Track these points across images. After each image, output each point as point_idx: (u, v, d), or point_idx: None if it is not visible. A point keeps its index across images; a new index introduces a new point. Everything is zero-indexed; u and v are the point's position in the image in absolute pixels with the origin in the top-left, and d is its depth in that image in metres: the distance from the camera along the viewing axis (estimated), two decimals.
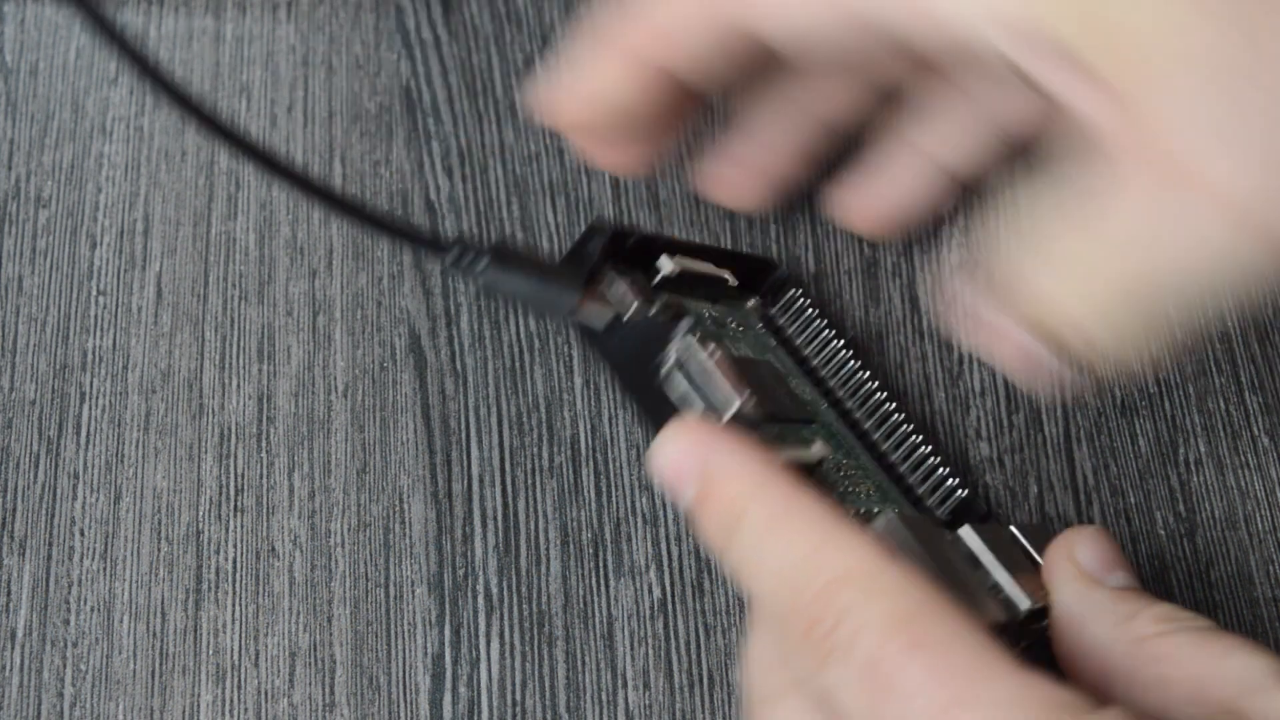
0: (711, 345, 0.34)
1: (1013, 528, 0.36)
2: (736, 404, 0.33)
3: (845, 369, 0.39)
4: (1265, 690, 0.29)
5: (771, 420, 0.34)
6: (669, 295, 0.37)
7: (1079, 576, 0.33)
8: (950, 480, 0.37)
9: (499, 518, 0.39)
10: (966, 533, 0.34)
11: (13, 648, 0.38)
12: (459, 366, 0.41)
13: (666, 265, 0.37)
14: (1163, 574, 0.39)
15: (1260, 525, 0.39)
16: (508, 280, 0.34)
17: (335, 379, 0.41)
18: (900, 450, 0.38)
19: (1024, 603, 0.33)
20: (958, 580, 0.33)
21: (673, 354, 0.34)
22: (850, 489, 0.37)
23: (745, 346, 0.39)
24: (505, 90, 0.45)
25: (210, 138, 0.36)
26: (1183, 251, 0.30)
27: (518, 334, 0.41)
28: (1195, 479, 0.40)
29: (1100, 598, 0.32)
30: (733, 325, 0.39)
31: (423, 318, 0.42)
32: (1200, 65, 0.29)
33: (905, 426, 0.38)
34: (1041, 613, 0.34)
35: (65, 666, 0.37)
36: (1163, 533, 0.39)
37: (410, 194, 0.43)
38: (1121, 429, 0.41)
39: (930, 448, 0.38)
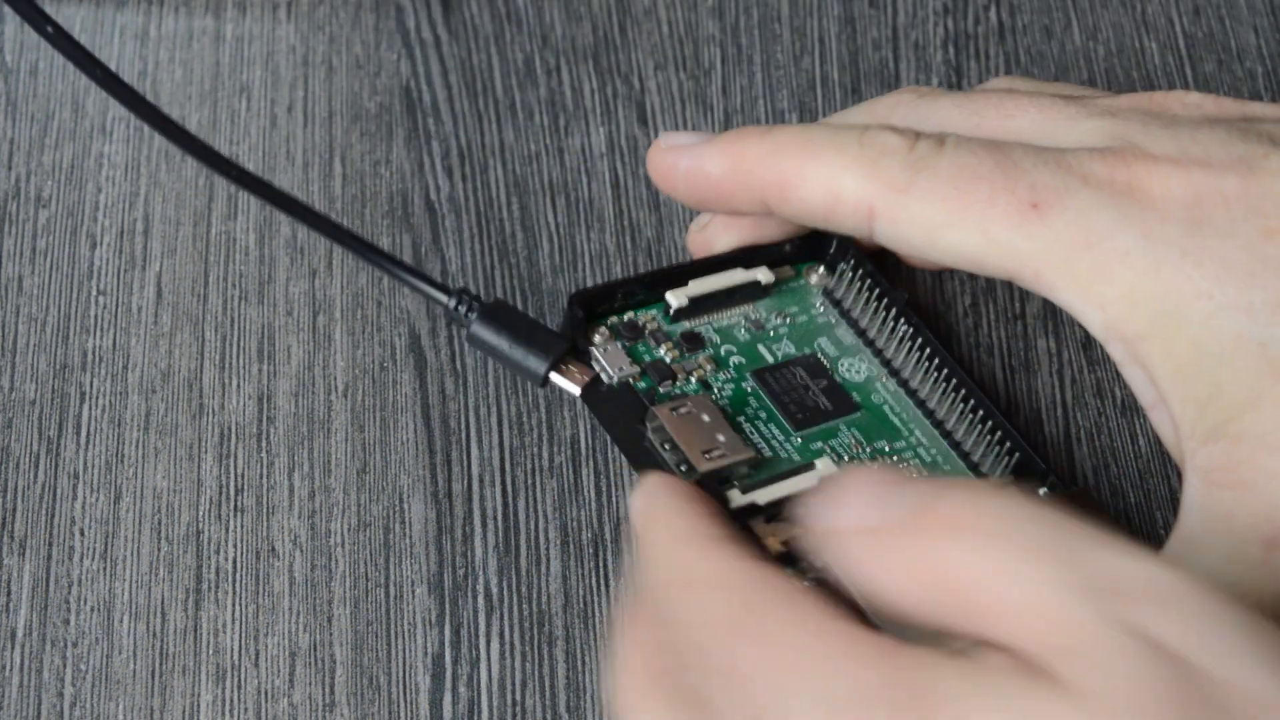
0: (685, 409, 0.36)
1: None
2: (696, 475, 0.35)
3: (898, 336, 0.39)
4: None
5: (750, 465, 0.36)
6: (689, 323, 0.39)
7: (847, 538, 0.29)
8: (1005, 444, 0.37)
9: (499, 518, 0.39)
10: None
11: (13, 648, 0.38)
12: (459, 366, 0.41)
13: (674, 300, 0.38)
14: None
15: None
16: (491, 338, 0.37)
17: (335, 379, 0.41)
18: (955, 415, 0.38)
19: None
20: None
21: (648, 428, 0.36)
22: None
23: (789, 342, 0.39)
24: (505, 90, 0.45)
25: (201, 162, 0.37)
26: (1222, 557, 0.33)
27: None
28: None
29: None
30: (776, 322, 0.39)
31: (423, 318, 0.42)
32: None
33: (956, 394, 0.38)
34: None
35: (65, 666, 0.37)
36: (1163, 532, 0.39)
37: (410, 194, 0.43)
38: (1121, 429, 0.41)
39: (982, 412, 0.38)
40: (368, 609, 0.38)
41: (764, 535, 0.34)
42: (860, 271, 0.39)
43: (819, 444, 0.37)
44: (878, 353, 0.39)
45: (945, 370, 0.38)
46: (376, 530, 0.39)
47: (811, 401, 0.38)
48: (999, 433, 0.37)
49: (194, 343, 0.41)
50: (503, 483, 0.39)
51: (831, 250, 0.40)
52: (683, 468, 0.35)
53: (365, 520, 0.39)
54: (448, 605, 0.38)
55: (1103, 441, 0.41)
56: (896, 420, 0.38)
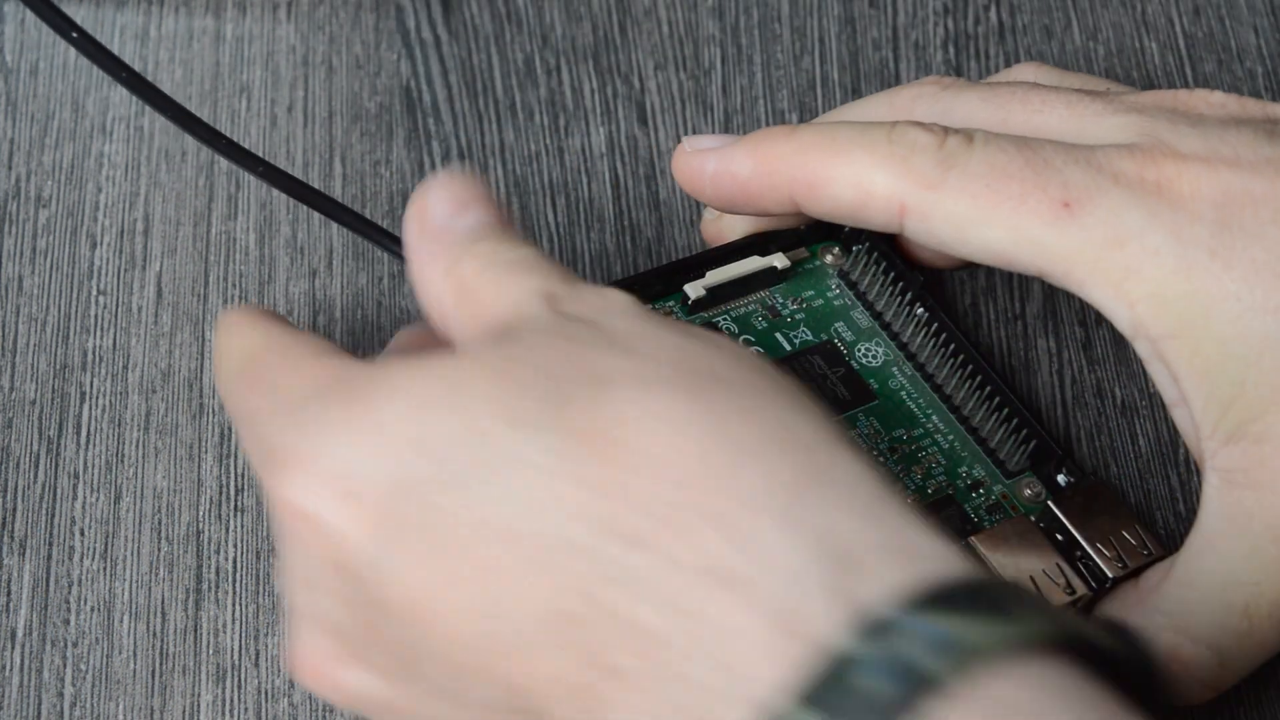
0: None
1: (1041, 512, 0.36)
2: None
3: (915, 320, 0.39)
4: None
5: None
6: (707, 313, 0.39)
7: (424, 232, 0.33)
8: (1022, 430, 0.38)
9: None
10: (974, 543, 0.35)
11: (13, 648, 0.38)
12: None
13: (692, 292, 0.39)
14: None
15: None
16: None
17: None
18: (972, 402, 0.38)
19: None
20: None
21: None
22: (899, 475, 0.38)
23: (806, 329, 0.40)
24: (505, 90, 0.45)
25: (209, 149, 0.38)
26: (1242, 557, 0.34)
27: None
28: (1195, 479, 0.40)
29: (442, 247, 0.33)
30: (792, 308, 0.40)
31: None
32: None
33: (972, 380, 0.38)
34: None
35: (65, 666, 0.37)
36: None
37: (410, 194, 0.43)
38: (1121, 429, 0.41)
39: (999, 399, 0.38)
40: None
41: None
42: (875, 254, 0.39)
43: None
44: (894, 336, 0.39)
45: (961, 356, 0.38)
46: None
47: (830, 391, 0.38)
48: (1015, 420, 0.38)
49: (194, 343, 0.41)
50: None
51: (845, 230, 0.40)
52: None
53: None
54: None
55: (1103, 441, 0.41)
56: (914, 406, 0.39)
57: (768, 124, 0.45)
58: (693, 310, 0.39)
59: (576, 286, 0.30)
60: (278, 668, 0.37)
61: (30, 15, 0.45)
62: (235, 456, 0.40)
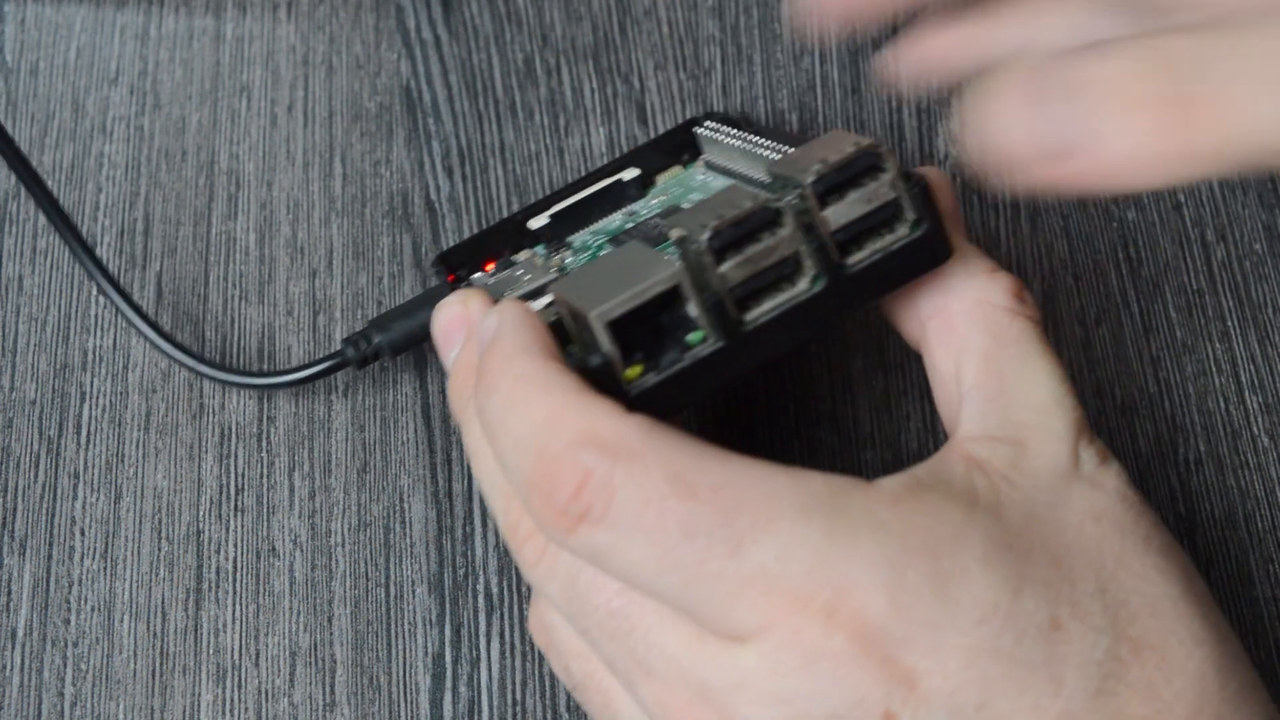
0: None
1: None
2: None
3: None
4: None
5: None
6: (569, 238, 0.40)
7: None
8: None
9: None
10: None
11: (13, 647, 0.38)
12: None
13: (534, 224, 0.40)
14: None
15: (1260, 525, 0.39)
16: (397, 334, 0.38)
17: (335, 378, 0.41)
18: None
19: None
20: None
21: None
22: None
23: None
24: (505, 90, 0.45)
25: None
26: None
27: None
28: (1195, 479, 0.40)
29: None
30: (654, 204, 0.40)
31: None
32: None
33: None
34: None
35: (66, 666, 0.37)
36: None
37: (410, 194, 0.43)
38: (1121, 429, 0.41)
39: None
40: (368, 609, 0.38)
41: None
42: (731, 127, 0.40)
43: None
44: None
45: None
46: (377, 530, 0.39)
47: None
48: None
49: (194, 342, 0.41)
50: None
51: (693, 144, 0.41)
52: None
53: (365, 520, 0.39)
54: (448, 605, 0.38)
55: (1103, 441, 0.41)
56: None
57: (768, 124, 0.45)
58: (552, 248, 0.39)
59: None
60: (278, 667, 0.37)
61: (30, 15, 0.45)
62: (235, 456, 0.40)
